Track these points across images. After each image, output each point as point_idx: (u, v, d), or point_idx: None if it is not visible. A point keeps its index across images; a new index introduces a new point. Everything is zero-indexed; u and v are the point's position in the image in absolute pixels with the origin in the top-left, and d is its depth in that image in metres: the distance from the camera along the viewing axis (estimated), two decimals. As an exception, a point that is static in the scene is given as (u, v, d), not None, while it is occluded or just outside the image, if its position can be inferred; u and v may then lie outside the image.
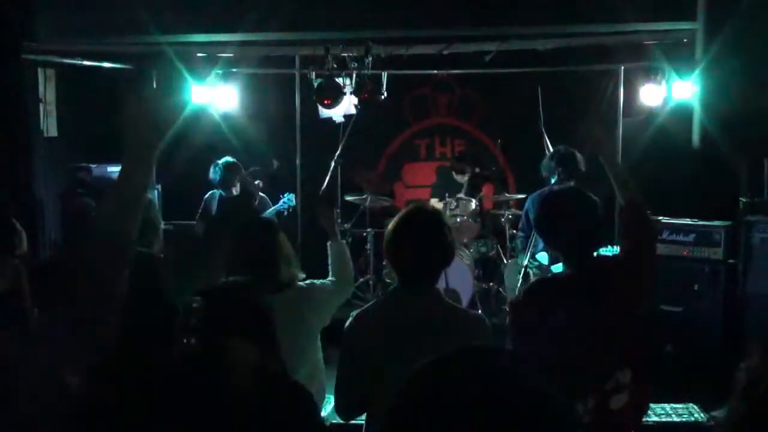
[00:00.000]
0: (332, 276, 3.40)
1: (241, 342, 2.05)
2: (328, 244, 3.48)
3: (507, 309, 2.70)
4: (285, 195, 7.01)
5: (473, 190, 7.48)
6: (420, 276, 2.61)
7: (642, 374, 2.62)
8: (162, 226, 3.21)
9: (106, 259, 1.71)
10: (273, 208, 6.98)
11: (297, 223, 7.11)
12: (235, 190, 6.61)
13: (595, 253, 2.83)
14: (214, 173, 6.50)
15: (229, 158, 6.56)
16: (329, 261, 3.46)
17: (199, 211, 6.69)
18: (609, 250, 5.10)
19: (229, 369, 1.94)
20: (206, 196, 6.70)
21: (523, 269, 4.99)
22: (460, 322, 2.61)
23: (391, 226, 2.66)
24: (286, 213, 7.08)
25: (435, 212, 2.73)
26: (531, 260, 5.17)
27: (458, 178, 7.55)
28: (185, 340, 2.12)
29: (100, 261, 1.71)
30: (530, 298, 2.78)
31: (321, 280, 3.36)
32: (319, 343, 3.29)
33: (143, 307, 1.99)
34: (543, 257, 5.20)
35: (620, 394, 2.55)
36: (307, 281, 3.31)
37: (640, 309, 2.73)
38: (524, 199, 7.28)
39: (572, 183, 5.22)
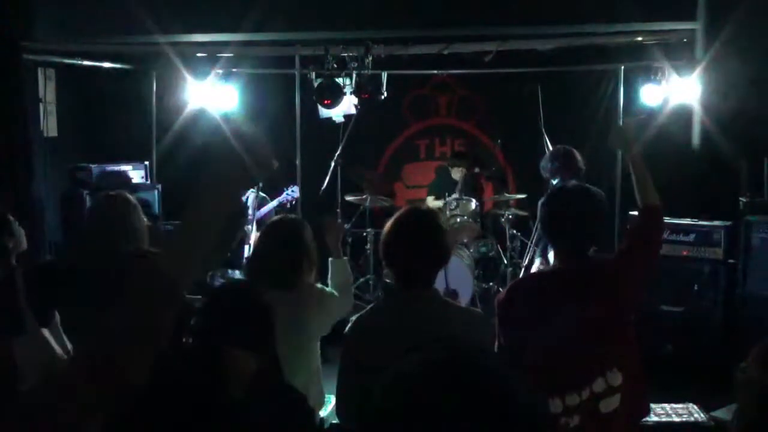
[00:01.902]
0: (332, 290, 3.38)
1: (239, 351, 2.04)
2: (330, 260, 3.43)
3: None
4: (289, 187, 7.00)
5: (469, 189, 7.46)
6: (416, 277, 2.61)
7: (635, 376, 2.59)
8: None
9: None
10: (276, 200, 6.95)
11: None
12: None
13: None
14: None
15: None
16: (330, 277, 3.41)
17: None
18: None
19: (225, 377, 1.93)
20: None
21: None
22: (462, 320, 2.60)
23: (386, 228, 2.66)
24: (289, 206, 7.05)
25: (429, 213, 2.72)
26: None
27: (455, 175, 7.53)
28: (184, 340, 2.12)
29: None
30: (513, 295, 2.75)
31: (329, 288, 3.35)
32: (318, 345, 3.29)
33: None
34: None
35: (611, 397, 2.51)
36: (318, 285, 3.31)
37: (632, 310, 2.69)
38: (524, 200, 7.28)
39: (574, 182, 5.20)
